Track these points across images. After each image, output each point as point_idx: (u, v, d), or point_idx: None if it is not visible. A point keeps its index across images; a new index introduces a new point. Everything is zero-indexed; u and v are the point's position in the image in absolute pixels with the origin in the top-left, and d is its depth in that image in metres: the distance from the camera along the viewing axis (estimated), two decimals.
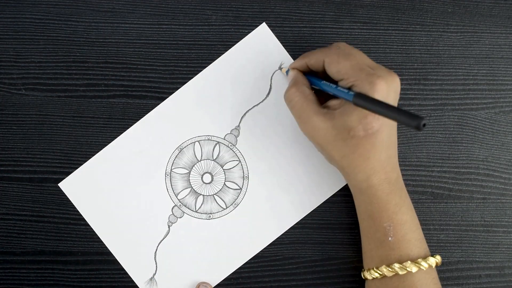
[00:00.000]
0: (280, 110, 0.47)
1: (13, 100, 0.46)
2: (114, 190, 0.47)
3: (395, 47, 0.48)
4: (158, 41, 0.47)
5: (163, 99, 0.47)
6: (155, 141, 0.47)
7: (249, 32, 0.47)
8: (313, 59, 0.42)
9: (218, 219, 0.47)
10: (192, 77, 0.47)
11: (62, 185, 0.46)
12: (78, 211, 0.46)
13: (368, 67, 0.39)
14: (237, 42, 0.47)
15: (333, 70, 0.40)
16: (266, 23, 0.47)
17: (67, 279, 0.46)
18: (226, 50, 0.47)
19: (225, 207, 0.47)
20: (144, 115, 0.47)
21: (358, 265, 0.47)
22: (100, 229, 0.46)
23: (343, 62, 0.39)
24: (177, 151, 0.47)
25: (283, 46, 0.47)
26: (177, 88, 0.47)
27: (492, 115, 0.48)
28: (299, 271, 0.47)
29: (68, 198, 0.46)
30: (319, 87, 0.42)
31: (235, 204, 0.47)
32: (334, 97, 0.41)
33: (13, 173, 0.46)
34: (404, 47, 0.48)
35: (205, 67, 0.47)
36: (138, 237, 0.47)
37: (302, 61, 0.43)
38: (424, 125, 0.32)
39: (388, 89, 0.38)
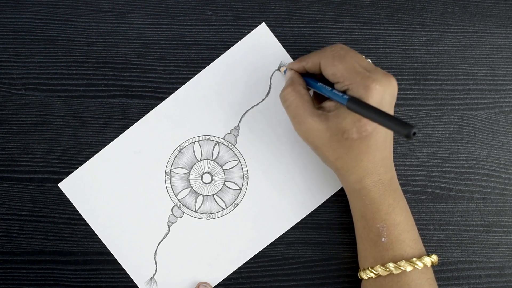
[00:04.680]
0: (279, 110, 0.47)
1: (13, 100, 0.46)
2: (114, 190, 0.47)
3: (395, 47, 0.47)
4: (158, 41, 0.47)
5: (163, 99, 0.47)
6: (155, 141, 0.47)
7: (249, 32, 0.47)
8: (309, 62, 0.42)
9: (218, 219, 0.47)
10: (192, 77, 0.47)
11: (62, 185, 0.46)
12: (78, 211, 0.46)
13: (364, 70, 0.38)
14: (237, 42, 0.47)
15: (329, 72, 0.40)
16: (266, 23, 0.47)
17: (67, 279, 0.46)
18: (226, 50, 0.47)
19: (224, 207, 0.47)
20: (144, 115, 0.47)
21: (357, 266, 0.47)
22: (100, 229, 0.46)
23: (338, 65, 0.39)
24: (176, 151, 0.47)
25: (283, 46, 0.47)
26: (177, 88, 0.47)
27: (492, 115, 0.48)
28: (299, 271, 0.47)
29: (68, 198, 0.46)
30: (315, 89, 0.42)
31: (235, 204, 0.47)
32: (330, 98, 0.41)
33: (13, 173, 0.46)
34: (404, 47, 0.48)
35: (205, 67, 0.47)
36: (138, 237, 0.47)
37: (299, 64, 0.43)
38: (415, 133, 0.32)
39: (383, 93, 0.38)
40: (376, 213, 0.40)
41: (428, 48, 0.48)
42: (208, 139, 0.47)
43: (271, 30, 0.47)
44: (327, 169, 0.47)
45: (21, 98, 0.46)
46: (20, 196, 0.46)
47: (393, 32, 0.47)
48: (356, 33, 0.47)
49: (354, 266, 0.47)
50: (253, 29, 0.47)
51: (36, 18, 0.46)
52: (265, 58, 0.47)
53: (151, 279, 0.46)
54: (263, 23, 0.46)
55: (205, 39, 0.47)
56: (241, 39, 0.47)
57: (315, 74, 0.43)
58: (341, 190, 0.47)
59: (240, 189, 0.47)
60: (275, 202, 0.47)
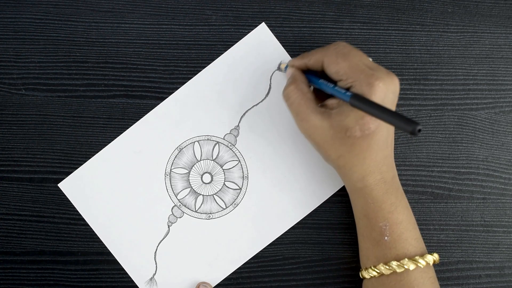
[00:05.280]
0: (279, 110, 0.47)
1: (13, 100, 0.46)
2: (114, 190, 0.46)
3: (395, 47, 0.47)
4: (158, 41, 0.47)
5: (163, 99, 0.47)
6: (155, 141, 0.47)
7: (249, 32, 0.47)
8: (312, 59, 0.42)
9: (217, 219, 0.47)
10: (192, 77, 0.47)
11: (62, 185, 0.46)
12: (78, 211, 0.46)
13: (367, 68, 0.39)
14: (237, 42, 0.47)
15: (332, 70, 0.40)
16: (265, 23, 0.47)
17: (67, 279, 0.46)
18: (226, 50, 0.47)
19: (224, 207, 0.47)
20: (144, 115, 0.47)
21: (357, 265, 0.47)
22: (100, 229, 0.46)
23: (342, 62, 0.39)
24: (176, 151, 0.47)
25: (283, 46, 0.47)
26: (177, 88, 0.47)
27: (492, 115, 0.48)
28: (299, 271, 0.47)
29: (68, 198, 0.46)
30: (317, 86, 0.42)
31: (235, 204, 0.47)
32: (333, 96, 0.41)
33: (13, 173, 0.46)
34: (404, 47, 0.48)
35: (205, 67, 0.47)
36: (138, 237, 0.47)
37: (301, 61, 0.43)
38: (420, 130, 0.31)
39: (386, 91, 0.38)
40: (378, 211, 0.40)
41: (428, 48, 0.48)
42: (208, 139, 0.47)
43: (271, 30, 0.47)
44: (328, 168, 0.47)
45: (21, 98, 0.46)
46: (20, 196, 0.46)
47: (393, 32, 0.47)
48: (356, 33, 0.47)
49: (354, 266, 0.47)
50: (253, 29, 0.47)
51: (36, 18, 0.46)
52: (265, 58, 0.47)
53: (151, 279, 0.46)
54: (263, 23, 0.46)
55: (205, 39, 0.47)
56: (241, 39, 0.47)
57: (316, 71, 0.43)
58: (342, 190, 0.47)
59: (240, 189, 0.47)
60: (275, 202, 0.47)
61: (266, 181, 0.47)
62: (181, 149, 0.47)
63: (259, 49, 0.47)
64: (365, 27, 0.47)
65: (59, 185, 0.46)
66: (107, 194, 0.47)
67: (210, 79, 0.47)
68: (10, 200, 0.46)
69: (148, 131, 0.47)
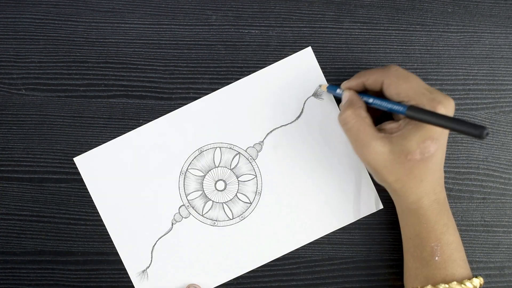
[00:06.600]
0: (306, 135, 0.47)
1: (13, 100, 0.46)
2: (128, 176, 0.46)
3: (395, 47, 0.47)
4: (158, 41, 0.47)
5: (163, 99, 0.47)
6: (179, 137, 0.47)
7: (249, 33, 0.47)
8: (371, 78, 0.42)
9: (222, 227, 0.47)
10: (192, 77, 0.47)
11: (77, 160, 0.46)
12: (78, 211, 0.46)
13: (427, 91, 0.39)
14: (237, 42, 0.47)
15: (392, 91, 0.40)
16: (265, 23, 0.47)
17: (67, 279, 0.46)
18: (226, 50, 0.47)
19: (231, 218, 0.47)
20: (145, 115, 0.47)
21: (357, 265, 0.47)
22: (105, 211, 0.46)
23: (404, 84, 0.40)
24: (197, 152, 0.47)
25: (282, 45, 0.47)
26: (177, 88, 0.47)
27: (492, 115, 0.48)
28: (299, 271, 0.47)
29: (68, 198, 0.46)
30: (371, 104, 0.42)
31: (242, 217, 0.47)
32: (380, 119, 0.41)
33: (13, 173, 0.46)
34: (404, 47, 0.48)
35: (204, 67, 0.47)
36: (140, 227, 0.46)
37: (359, 80, 0.42)
38: (487, 134, 0.33)
39: (446, 114, 0.38)
40: (431, 232, 0.41)
41: (428, 48, 0.48)
42: (230, 148, 0.47)
43: (270, 30, 0.47)
44: (341, 201, 0.46)
45: (21, 98, 0.46)
46: (20, 196, 0.46)
47: (393, 32, 0.47)
48: (356, 33, 0.47)
49: (354, 266, 0.47)
50: (253, 29, 0.47)
51: (36, 18, 0.46)
52: (304, 82, 0.46)
53: (143, 271, 0.46)
54: (309, 48, 0.46)
55: (205, 39, 0.47)
56: (241, 39, 0.47)
57: (367, 91, 0.43)
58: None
59: (251, 203, 0.47)
60: (282, 223, 0.47)
61: (277, 201, 0.47)
62: (201, 152, 0.47)
63: (300, 71, 0.47)
64: (365, 27, 0.47)
65: (74, 159, 0.46)
66: (119, 179, 0.46)
67: (245, 89, 0.47)
68: (10, 200, 0.46)
69: (174, 126, 0.47)
